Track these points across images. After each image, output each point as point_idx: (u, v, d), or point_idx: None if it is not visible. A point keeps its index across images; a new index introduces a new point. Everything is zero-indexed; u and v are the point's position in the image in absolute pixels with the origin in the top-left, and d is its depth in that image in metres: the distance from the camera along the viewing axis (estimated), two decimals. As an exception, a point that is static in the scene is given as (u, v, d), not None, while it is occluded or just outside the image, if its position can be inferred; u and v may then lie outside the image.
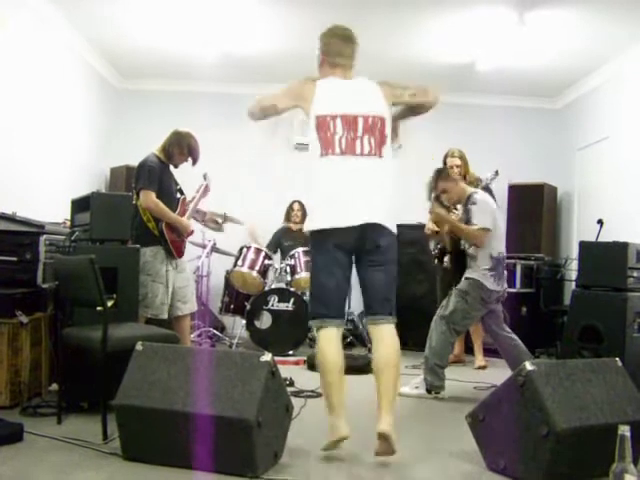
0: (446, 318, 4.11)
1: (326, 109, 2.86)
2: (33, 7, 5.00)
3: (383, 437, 2.69)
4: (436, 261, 5.29)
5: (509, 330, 4.26)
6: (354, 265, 2.94)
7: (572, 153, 6.97)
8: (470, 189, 4.31)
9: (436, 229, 5.02)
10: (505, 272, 4.22)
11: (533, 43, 5.63)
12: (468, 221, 4.14)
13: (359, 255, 2.89)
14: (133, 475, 2.50)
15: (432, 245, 5.41)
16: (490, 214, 4.15)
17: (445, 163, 5.39)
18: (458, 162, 5.30)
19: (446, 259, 4.57)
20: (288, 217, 6.71)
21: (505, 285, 4.20)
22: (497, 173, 4.87)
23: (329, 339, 2.81)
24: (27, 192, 4.83)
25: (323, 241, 2.83)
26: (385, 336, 2.86)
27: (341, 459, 2.84)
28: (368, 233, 2.80)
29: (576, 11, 4.93)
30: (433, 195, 4.39)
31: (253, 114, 3.10)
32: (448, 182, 4.28)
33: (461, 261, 4.29)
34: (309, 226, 2.92)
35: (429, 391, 4.10)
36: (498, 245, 4.18)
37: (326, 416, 2.84)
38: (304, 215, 6.64)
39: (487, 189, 4.99)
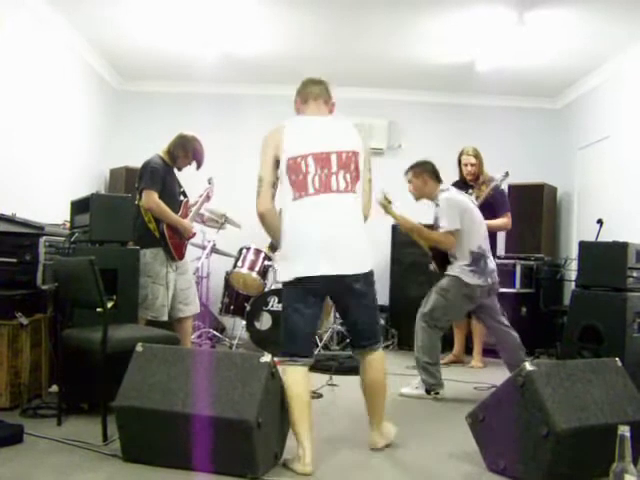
0: (426, 315, 4.11)
1: (297, 150, 2.76)
2: (33, 8, 5.00)
3: (376, 450, 2.94)
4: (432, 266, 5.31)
5: (507, 323, 4.25)
6: (332, 302, 3.01)
7: (572, 153, 6.97)
8: (440, 188, 4.23)
9: None
10: (491, 265, 4.17)
11: (533, 43, 5.63)
12: (437, 225, 4.16)
13: (336, 297, 2.92)
14: (133, 476, 2.50)
15: (432, 267, 5.40)
16: (455, 213, 4.09)
17: (460, 161, 5.40)
18: (473, 160, 5.29)
19: (432, 266, 4.55)
20: None
21: (491, 279, 4.13)
22: (507, 174, 4.87)
23: (297, 381, 2.74)
24: (27, 193, 4.83)
25: (296, 286, 2.75)
26: (372, 361, 2.92)
27: (341, 459, 2.84)
28: (345, 281, 2.76)
29: (575, 11, 4.93)
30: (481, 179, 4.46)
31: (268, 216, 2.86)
32: (417, 178, 4.25)
33: (445, 261, 4.27)
34: (282, 276, 2.86)
35: (428, 392, 4.09)
36: (476, 240, 4.14)
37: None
38: None
39: (498, 190, 5.00)
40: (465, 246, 4.11)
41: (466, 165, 5.33)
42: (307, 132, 2.84)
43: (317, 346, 5.82)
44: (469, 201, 4.29)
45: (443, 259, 4.29)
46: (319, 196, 2.73)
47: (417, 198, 4.34)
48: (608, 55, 5.85)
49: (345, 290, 2.81)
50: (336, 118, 2.98)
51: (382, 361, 2.94)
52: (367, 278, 2.84)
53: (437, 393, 4.09)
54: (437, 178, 4.26)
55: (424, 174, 4.24)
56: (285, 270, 2.81)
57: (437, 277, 4.32)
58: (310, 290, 2.75)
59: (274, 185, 2.81)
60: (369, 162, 2.93)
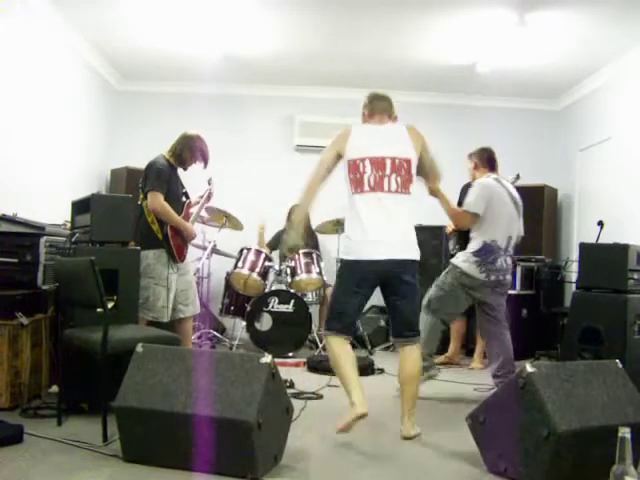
0: (424, 307, 4.12)
1: (356, 153, 3.19)
2: (34, 8, 5.00)
3: (408, 439, 3.14)
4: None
5: (505, 330, 4.19)
6: (380, 290, 3.26)
7: (572, 155, 6.97)
8: (487, 175, 4.31)
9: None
10: (499, 263, 4.09)
11: (533, 45, 5.64)
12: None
13: (385, 285, 3.22)
14: (133, 477, 2.49)
15: (451, 245, 5.40)
16: (483, 199, 4.09)
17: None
18: None
19: (450, 243, 4.64)
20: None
21: (495, 277, 4.08)
22: (518, 177, 4.86)
23: (340, 343, 3.19)
24: (27, 193, 4.83)
25: (352, 267, 3.19)
26: (408, 355, 3.21)
27: (341, 460, 2.84)
28: (394, 267, 3.13)
29: (576, 12, 4.94)
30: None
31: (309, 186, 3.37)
32: (470, 160, 4.46)
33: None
34: (342, 255, 3.30)
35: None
36: (494, 233, 4.10)
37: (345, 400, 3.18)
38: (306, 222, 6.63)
39: None
40: (480, 234, 4.11)
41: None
42: (368, 138, 3.26)
43: (318, 347, 5.83)
44: (506, 195, 4.21)
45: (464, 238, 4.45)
46: (374, 193, 3.15)
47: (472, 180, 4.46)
48: (609, 57, 5.85)
49: (395, 279, 3.16)
50: (395, 126, 3.38)
51: (417, 355, 3.23)
52: (414, 270, 3.20)
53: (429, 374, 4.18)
54: (489, 166, 4.37)
55: (475, 157, 4.42)
56: (343, 253, 3.28)
57: (437, 276, 4.33)
58: (363, 274, 3.15)
59: (328, 170, 3.29)
60: (426, 148, 3.36)
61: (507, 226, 4.16)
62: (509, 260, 4.20)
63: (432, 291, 4.20)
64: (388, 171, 3.16)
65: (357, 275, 3.16)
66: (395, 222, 3.15)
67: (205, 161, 4.39)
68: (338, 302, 3.24)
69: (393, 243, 3.14)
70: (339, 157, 3.25)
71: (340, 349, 3.17)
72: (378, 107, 3.38)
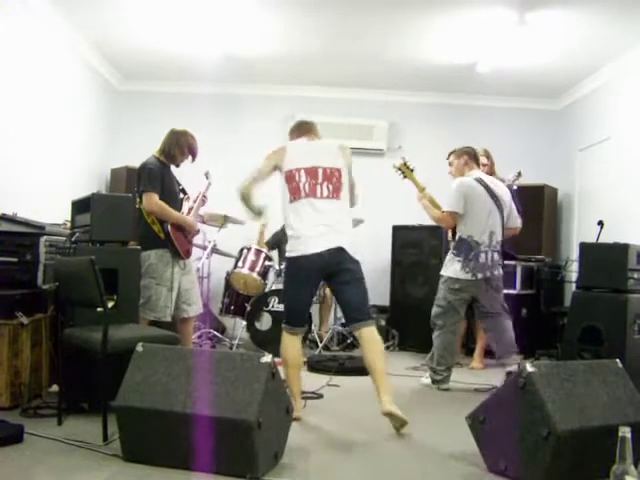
0: (432, 324, 4.36)
1: (292, 165, 3.56)
2: (34, 8, 5.00)
3: (389, 415, 3.18)
4: None
5: (503, 311, 4.33)
6: (327, 284, 3.67)
7: (572, 154, 6.97)
8: (469, 173, 4.40)
9: None
10: (482, 259, 4.19)
11: (533, 44, 5.63)
12: None
13: (328, 277, 3.53)
14: (133, 476, 2.49)
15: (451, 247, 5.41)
16: (460, 197, 4.23)
17: None
18: (485, 160, 5.30)
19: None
20: None
21: (482, 274, 4.18)
22: (520, 174, 4.87)
23: (292, 341, 3.55)
24: (28, 193, 4.83)
25: (294, 266, 3.51)
26: (365, 336, 3.42)
27: (341, 460, 2.84)
28: (332, 258, 3.41)
29: (576, 12, 4.94)
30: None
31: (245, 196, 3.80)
32: (459, 158, 4.48)
33: None
34: (287, 253, 3.56)
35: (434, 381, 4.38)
36: (471, 229, 4.23)
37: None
38: None
39: (510, 189, 5.00)
40: (458, 231, 4.26)
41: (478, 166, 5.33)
42: (302, 152, 3.65)
43: (318, 347, 5.83)
44: (484, 191, 4.29)
45: None
46: (307, 199, 3.50)
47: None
48: (609, 56, 5.85)
49: (336, 268, 3.44)
50: (325, 141, 3.83)
51: (374, 335, 3.43)
52: (356, 264, 3.49)
53: (440, 387, 4.33)
54: (476, 163, 4.48)
55: (465, 155, 4.47)
56: (287, 252, 3.56)
57: (436, 277, 4.37)
58: (305, 269, 3.45)
59: (259, 180, 3.72)
60: (351, 170, 3.67)
61: (486, 221, 4.25)
62: (496, 256, 4.28)
63: (433, 310, 4.37)
64: (320, 179, 3.50)
65: (302, 270, 3.47)
66: (327, 220, 3.45)
67: (193, 156, 4.40)
68: (289, 298, 3.62)
69: (327, 236, 3.41)
70: (275, 169, 3.65)
71: (290, 350, 3.54)
72: (304, 129, 3.81)
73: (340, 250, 3.42)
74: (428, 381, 4.45)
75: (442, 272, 4.36)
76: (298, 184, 3.52)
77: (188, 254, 4.32)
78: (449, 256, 4.36)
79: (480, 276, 4.16)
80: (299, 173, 3.53)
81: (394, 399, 3.23)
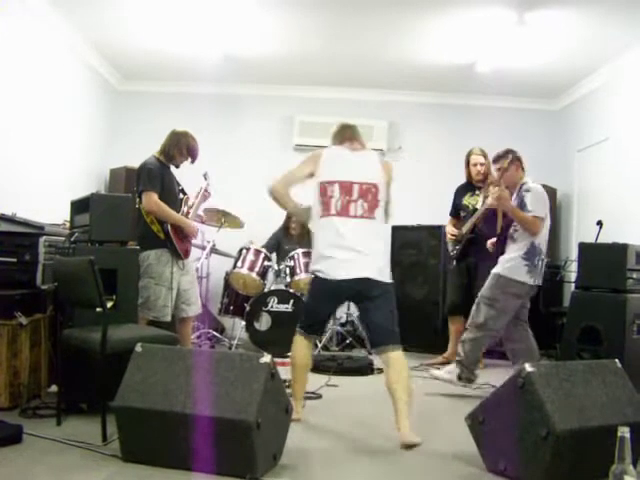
0: (482, 327, 4.02)
1: (326, 176, 3.31)
2: (32, 8, 5.00)
3: (407, 447, 3.00)
4: (454, 262, 5.28)
5: (527, 326, 4.21)
6: (354, 304, 3.46)
7: (571, 155, 6.98)
8: (526, 179, 4.20)
9: (455, 234, 5.01)
10: (540, 266, 4.07)
11: (533, 44, 5.64)
12: (521, 208, 4.05)
13: (355, 300, 3.43)
14: (133, 477, 2.49)
15: (450, 247, 5.40)
16: (544, 204, 4.07)
17: (468, 162, 5.39)
18: (482, 160, 5.30)
19: (456, 247, 4.59)
20: (287, 227, 6.68)
21: (539, 281, 4.06)
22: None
23: (304, 343, 3.41)
24: (27, 193, 4.83)
25: (315, 283, 3.35)
26: (392, 361, 3.18)
27: (340, 460, 2.84)
28: (356, 286, 3.20)
29: (575, 12, 4.94)
30: (489, 180, 4.36)
31: (275, 193, 3.52)
32: (513, 164, 4.17)
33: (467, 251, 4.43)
34: (312, 268, 3.39)
35: (460, 378, 4.20)
36: (542, 237, 4.09)
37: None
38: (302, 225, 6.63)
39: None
40: (527, 236, 4.03)
41: (475, 165, 5.33)
42: (339, 162, 3.37)
43: (317, 347, 5.83)
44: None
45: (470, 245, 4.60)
46: (339, 217, 3.26)
47: (507, 186, 4.23)
48: (607, 57, 5.85)
49: (363, 295, 3.23)
50: (366, 152, 3.48)
51: (401, 360, 3.21)
52: (386, 289, 3.25)
53: (468, 381, 4.19)
54: (523, 168, 4.26)
55: (517, 162, 4.19)
56: (314, 267, 3.36)
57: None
58: (331, 289, 3.26)
59: (291, 183, 3.46)
60: (390, 186, 3.42)
61: (547, 229, 4.16)
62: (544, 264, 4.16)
63: (485, 311, 4.03)
64: (355, 196, 3.26)
65: (322, 292, 3.32)
66: (357, 244, 3.21)
67: (192, 157, 4.39)
68: (310, 306, 3.45)
69: (354, 263, 3.19)
70: (311, 176, 3.40)
71: (299, 354, 3.41)
72: (346, 135, 3.51)
73: (365, 280, 3.19)
74: (448, 376, 4.23)
75: (501, 272, 4.03)
76: (330, 200, 3.28)
77: (187, 254, 4.32)
78: (516, 259, 4.01)
79: (538, 281, 4.04)
80: (332, 187, 3.28)
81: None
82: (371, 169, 3.36)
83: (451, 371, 4.21)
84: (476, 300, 4.14)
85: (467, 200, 5.43)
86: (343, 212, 3.26)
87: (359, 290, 3.22)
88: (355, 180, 3.28)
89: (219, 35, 5.75)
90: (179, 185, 4.45)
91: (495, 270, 4.08)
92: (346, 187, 3.27)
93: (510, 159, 4.13)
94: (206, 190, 4.62)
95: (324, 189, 3.30)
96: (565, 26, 5.22)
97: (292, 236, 6.58)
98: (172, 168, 4.39)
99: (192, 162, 4.42)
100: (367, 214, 3.27)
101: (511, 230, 4.14)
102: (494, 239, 4.38)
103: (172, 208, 4.20)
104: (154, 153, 4.30)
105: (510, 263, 4.03)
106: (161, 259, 4.12)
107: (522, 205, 4.04)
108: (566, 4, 4.82)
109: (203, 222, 5.30)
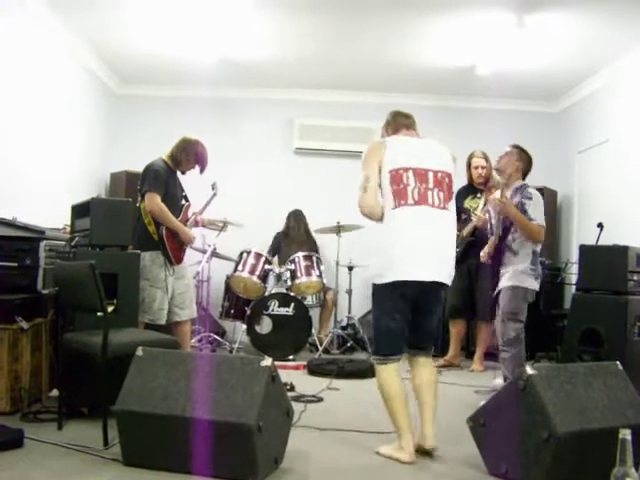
0: (516, 342, 3.92)
1: (397, 163, 2.93)
2: (33, 12, 5.01)
3: (430, 453, 2.93)
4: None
5: None
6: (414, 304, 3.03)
7: (572, 156, 6.98)
8: (520, 181, 4.10)
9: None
10: (540, 270, 4.04)
11: (532, 46, 5.64)
12: (522, 213, 3.95)
13: (417, 303, 3.00)
14: (134, 481, 2.50)
15: None
16: (543, 211, 4.00)
17: (469, 165, 5.38)
18: (484, 163, 5.30)
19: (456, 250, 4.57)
20: (287, 231, 6.69)
21: (539, 284, 4.03)
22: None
23: (391, 373, 2.96)
24: (27, 197, 4.83)
25: (393, 290, 2.91)
26: (422, 364, 3.09)
27: (341, 464, 2.84)
28: (433, 289, 2.96)
29: (575, 14, 4.94)
30: (491, 183, 4.29)
31: (372, 212, 3.00)
32: (520, 160, 4.07)
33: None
34: (379, 278, 2.95)
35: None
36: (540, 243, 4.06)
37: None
38: (302, 227, 6.62)
39: None
40: (529, 245, 3.97)
41: (477, 168, 5.34)
42: (407, 149, 3.02)
43: (318, 350, 5.83)
44: None
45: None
46: (419, 207, 2.89)
47: (504, 179, 4.10)
48: (607, 59, 5.86)
49: (430, 298, 3.02)
50: (432, 141, 3.13)
51: (431, 364, 3.14)
52: (447, 287, 3.07)
53: None
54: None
55: (524, 158, 4.09)
56: (385, 275, 2.91)
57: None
58: (403, 295, 2.91)
59: (375, 187, 2.96)
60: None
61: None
62: None
63: (512, 326, 3.90)
64: (431, 184, 2.93)
65: (398, 300, 2.92)
66: (440, 241, 2.95)
67: (201, 166, 4.39)
68: (384, 327, 2.99)
69: (438, 265, 2.93)
70: (373, 177, 2.99)
71: (392, 381, 2.95)
72: (403, 122, 3.21)
73: (440, 285, 2.96)
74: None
75: (514, 284, 3.92)
76: (406, 187, 2.89)
77: (179, 260, 4.30)
78: (526, 271, 3.93)
79: (538, 285, 4.02)
80: (407, 174, 2.91)
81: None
82: (444, 157, 3.06)
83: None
84: (498, 318, 4.01)
85: (468, 203, 5.44)
86: (422, 200, 2.90)
87: (434, 294, 3.01)
88: (429, 167, 2.95)
89: (218, 39, 5.75)
90: (183, 191, 4.46)
91: (507, 283, 3.96)
92: (421, 174, 2.92)
93: (519, 155, 4.06)
94: (210, 200, 4.64)
95: (398, 177, 2.91)
96: (565, 28, 5.22)
97: (292, 240, 6.59)
98: (179, 174, 4.40)
99: (201, 172, 4.42)
100: (442, 205, 2.94)
101: (509, 240, 4.04)
102: (487, 250, 4.30)
103: (172, 213, 4.20)
104: (162, 156, 4.31)
105: (522, 275, 3.94)
106: (156, 261, 4.13)
107: (522, 211, 3.97)
108: (565, 7, 4.82)
109: (204, 225, 5.30)
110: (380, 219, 2.96)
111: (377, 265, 2.98)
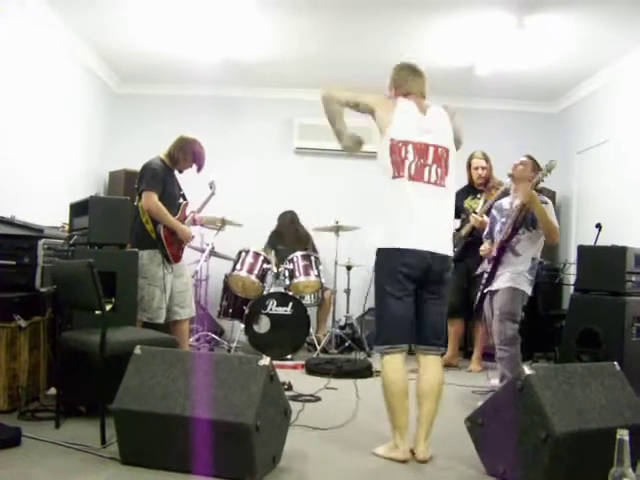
0: (512, 341, 3.93)
1: (400, 134, 2.92)
2: (32, 10, 5.00)
3: (421, 462, 2.85)
4: (453, 264, 5.26)
5: None
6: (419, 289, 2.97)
7: (571, 157, 6.98)
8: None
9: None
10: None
11: (532, 47, 5.65)
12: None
13: (422, 285, 2.94)
14: (131, 479, 2.49)
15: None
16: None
17: (469, 165, 5.38)
18: (484, 164, 5.30)
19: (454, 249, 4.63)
20: (279, 231, 6.69)
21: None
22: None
23: (395, 368, 2.89)
24: (26, 196, 4.83)
25: (393, 264, 2.87)
26: (430, 365, 3.00)
27: (339, 463, 2.84)
28: (434, 264, 2.89)
29: (575, 15, 4.95)
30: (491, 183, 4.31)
31: (330, 100, 3.12)
32: (533, 171, 4.21)
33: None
34: (382, 243, 2.94)
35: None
36: (539, 249, 4.10)
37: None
38: (294, 227, 6.63)
39: (507, 194, 4.99)
40: (534, 251, 4.03)
41: (477, 169, 5.33)
42: (413, 119, 2.96)
43: (316, 349, 5.83)
44: None
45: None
46: (413, 182, 2.88)
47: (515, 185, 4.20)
48: (607, 60, 5.86)
49: (434, 277, 2.92)
50: (437, 110, 3.05)
51: (439, 368, 3.04)
52: (450, 272, 3.01)
53: None
54: None
55: (536, 170, 4.17)
56: (385, 240, 2.92)
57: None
58: (405, 274, 2.85)
59: (353, 104, 3.10)
60: (458, 128, 3.11)
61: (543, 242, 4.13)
62: None
63: (510, 325, 3.93)
64: (430, 160, 2.92)
65: (403, 267, 2.85)
66: (433, 213, 2.91)
67: (198, 165, 4.39)
68: (388, 311, 2.90)
69: (434, 235, 2.90)
70: (370, 114, 3.05)
71: (394, 377, 2.87)
72: (415, 87, 3.08)
73: (445, 258, 2.93)
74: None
75: (513, 285, 3.97)
76: (403, 161, 2.88)
77: (177, 259, 4.30)
78: (523, 273, 3.99)
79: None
80: (406, 148, 2.90)
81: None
82: (445, 130, 3.01)
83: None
84: (496, 318, 4.02)
85: (468, 203, 5.44)
86: (417, 176, 2.88)
87: (440, 270, 2.91)
88: (430, 142, 2.93)
89: (218, 38, 5.75)
90: (180, 189, 4.46)
91: (507, 285, 4.00)
92: (421, 150, 2.91)
93: (532, 165, 4.25)
94: (209, 199, 4.64)
95: (398, 149, 2.90)
96: (564, 29, 5.23)
97: (285, 239, 6.60)
98: (176, 173, 4.40)
99: (198, 171, 4.42)
100: (440, 181, 2.93)
101: (513, 241, 4.06)
102: (487, 244, 4.31)
103: (170, 211, 4.20)
104: (160, 155, 4.30)
105: (520, 278, 3.98)
106: (154, 259, 4.13)
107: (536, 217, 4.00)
108: (565, 8, 4.83)
109: (202, 225, 5.31)
110: (329, 112, 3.08)
111: (381, 232, 2.95)
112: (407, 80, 3.11)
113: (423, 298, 2.96)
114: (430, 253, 2.86)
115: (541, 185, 6.58)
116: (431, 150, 2.92)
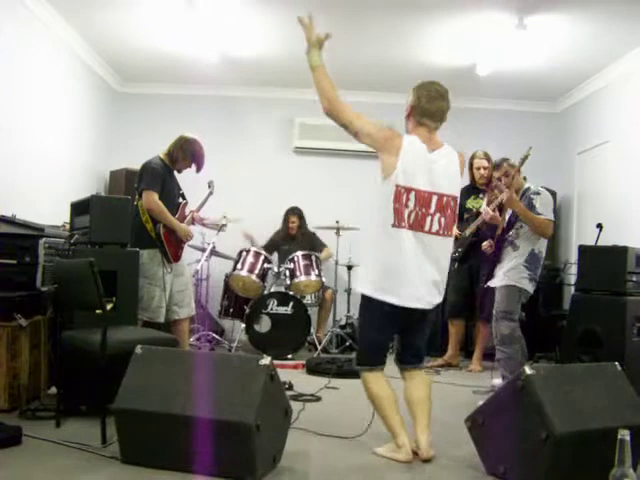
0: (510, 340, 3.92)
1: (404, 180, 2.79)
2: (33, 9, 5.00)
3: (426, 461, 2.86)
4: (456, 264, 5.25)
5: None
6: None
7: (571, 157, 6.98)
8: (527, 184, 4.20)
9: (457, 236, 4.92)
10: (538, 274, 4.05)
11: (533, 47, 5.64)
12: (530, 210, 3.99)
13: (407, 323, 2.99)
14: (132, 479, 2.49)
15: (452, 248, 5.38)
16: (552, 208, 4.03)
17: (471, 165, 5.38)
18: (485, 164, 5.30)
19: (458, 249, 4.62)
20: (286, 228, 6.70)
21: (534, 288, 4.04)
22: (523, 179, 4.84)
23: (376, 379, 2.96)
24: (27, 195, 4.83)
25: (378, 306, 2.87)
26: (416, 375, 3.07)
27: (339, 463, 2.84)
28: (423, 313, 2.94)
29: (576, 15, 4.94)
30: (494, 181, 4.35)
31: (330, 101, 3.20)
32: (519, 173, 4.15)
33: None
34: (366, 290, 2.90)
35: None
36: (543, 243, 4.06)
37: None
38: (301, 223, 6.63)
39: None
40: (530, 243, 4.00)
41: (479, 169, 5.33)
42: (420, 163, 2.84)
43: (317, 349, 5.83)
44: None
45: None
46: (412, 232, 2.80)
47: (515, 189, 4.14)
48: (608, 60, 5.86)
49: (419, 318, 2.97)
50: (447, 153, 2.94)
51: (424, 377, 3.13)
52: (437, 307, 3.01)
53: None
54: None
55: (514, 167, 4.15)
56: (371, 287, 2.88)
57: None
58: (389, 314, 2.87)
59: (351, 124, 3.05)
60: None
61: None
62: None
63: (506, 324, 3.92)
64: (432, 209, 2.82)
65: (388, 319, 2.89)
66: (434, 264, 2.86)
67: (198, 165, 4.38)
68: (369, 339, 3.00)
69: (430, 289, 2.87)
70: (366, 140, 2.91)
71: (378, 387, 2.94)
72: (437, 115, 2.94)
73: (435, 306, 2.95)
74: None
75: (508, 282, 3.98)
76: (403, 209, 2.78)
77: (177, 258, 4.31)
78: (518, 267, 3.98)
79: (533, 289, 4.03)
80: (408, 195, 2.78)
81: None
82: (453, 177, 2.92)
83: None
84: (493, 317, 4.04)
85: (470, 203, 5.44)
86: (417, 226, 2.80)
87: (426, 314, 2.95)
88: (434, 191, 2.82)
89: (219, 37, 5.75)
90: (180, 189, 4.46)
91: (502, 283, 4.02)
92: (423, 198, 2.80)
93: (517, 170, 4.12)
94: (207, 198, 4.64)
95: (400, 195, 2.79)
96: (565, 29, 5.22)
97: (291, 237, 6.60)
98: (176, 173, 4.40)
99: (197, 171, 4.42)
100: (443, 231, 2.86)
101: (511, 235, 4.09)
102: (490, 241, 4.34)
103: (169, 210, 4.21)
104: (159, 154, 4.31)
105: (513, 271, 3.99)
106: (154, 259, 4.14)
107: (530, 207, 3.99)
108: (566, 8, 4.82)
109: (204, 224, 5.30)
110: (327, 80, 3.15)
111: (370, 276, 2.90)
112: (432, 103, 2.97)
113: (406, 331, 3.04)
114: (424, 308, 2.90)
115: (542, 185, 6.62)
116: (435, 199, 2.82)
